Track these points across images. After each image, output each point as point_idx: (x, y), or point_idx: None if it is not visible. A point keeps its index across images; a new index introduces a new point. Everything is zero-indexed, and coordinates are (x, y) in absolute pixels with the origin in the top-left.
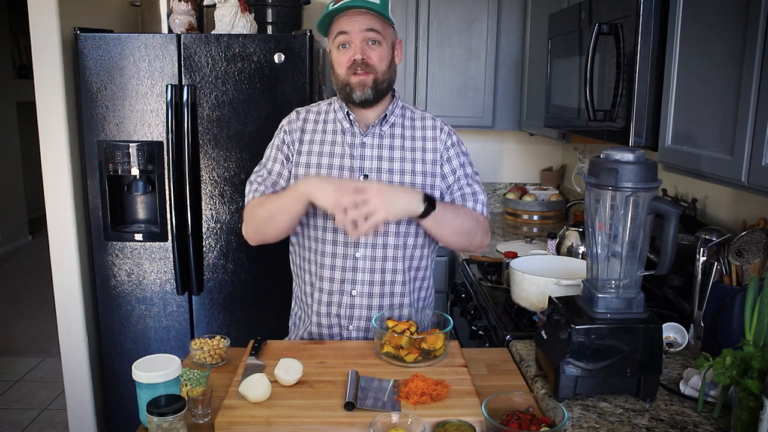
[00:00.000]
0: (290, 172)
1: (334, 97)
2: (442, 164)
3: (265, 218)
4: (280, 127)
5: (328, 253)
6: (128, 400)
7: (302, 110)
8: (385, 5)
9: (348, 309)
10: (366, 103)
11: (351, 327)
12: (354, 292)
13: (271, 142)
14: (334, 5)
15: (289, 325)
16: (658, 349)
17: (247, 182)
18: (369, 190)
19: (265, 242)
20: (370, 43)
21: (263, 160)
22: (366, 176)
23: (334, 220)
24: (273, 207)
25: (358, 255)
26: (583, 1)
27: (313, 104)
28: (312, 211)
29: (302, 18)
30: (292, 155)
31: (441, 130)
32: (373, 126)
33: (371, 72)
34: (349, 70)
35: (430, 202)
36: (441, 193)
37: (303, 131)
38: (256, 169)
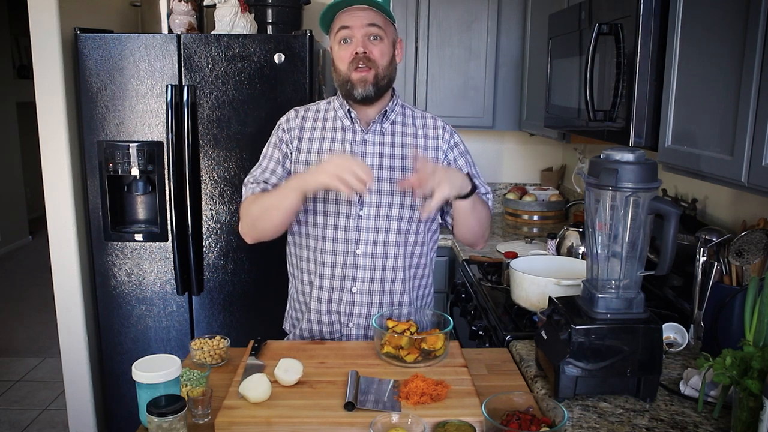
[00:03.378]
0: (286, 169)
1: (333, 96)
2: (448, 164)
3: (258, 214)
4: (277, 125)
5: (328, 250)
6: (128, 400)
7: (300, 109)
8: (386, 2)
9: (348, 306)
10: (367, 100)
11: (351, 324)
12: (354, 290)
13: (269, 140)
14: (336, 0)
15: (286, 326)
16: (658, 349)
17: (244, 182)
18: (435, 169)
19: (261, 239)
20: (371, 38)
21: (260, 159)
22: None
23: (334, 217)
24: (266, 203)
25: (358, 252)
26: (583, 1)
27: (312, 104)
28: (312, 208)
29: (302, 18)
30: (291, 153)
31: (443, 129)
32: (373, 123)
33: (372, 67)
34: (350, 65)
35: (472, 183)
36: None
37: (302, 129)
38: (252, 170)
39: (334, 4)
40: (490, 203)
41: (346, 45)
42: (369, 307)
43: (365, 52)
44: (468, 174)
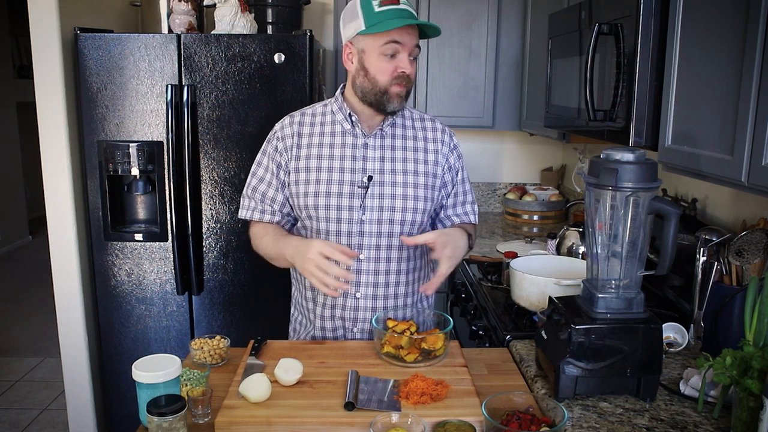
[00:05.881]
0: (281, 180)
1: (329, 99)
2: (444, 167)
3: (263, 254)
4: (272, 133)
5: None
6: (128, 400)
7: (296, 114)
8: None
9: (352, 311)
10: (395, 113)
11: (355, 329)
12: (358, 295)
13: (263, 148)
14: (390, 7)
15: (289, 330)
16: (658, 349)
17: (242, 195)
18: (442, 252)
19: None
20: (412, 57)
21: (254, 168)
22: (370, 177)
23: (336, 223)
24: (268, 251)
25: (361, 257)
26: (583, 1)
27: (307, 107)
28: (314, 214)
29: (302, 18)
30: (286, 162)
31: (443, 131)
32: (375, 127)
33: (408, 84)
34: (394, 80)
35: (469, 238)
36: (440, 193)
37: (300, 135)
38: (248, 180)
39: (398, 22)
40: (474, 219)
41: (392, 59)
42: (373, 312)
43: (407, 74)
44: (467, 233)
